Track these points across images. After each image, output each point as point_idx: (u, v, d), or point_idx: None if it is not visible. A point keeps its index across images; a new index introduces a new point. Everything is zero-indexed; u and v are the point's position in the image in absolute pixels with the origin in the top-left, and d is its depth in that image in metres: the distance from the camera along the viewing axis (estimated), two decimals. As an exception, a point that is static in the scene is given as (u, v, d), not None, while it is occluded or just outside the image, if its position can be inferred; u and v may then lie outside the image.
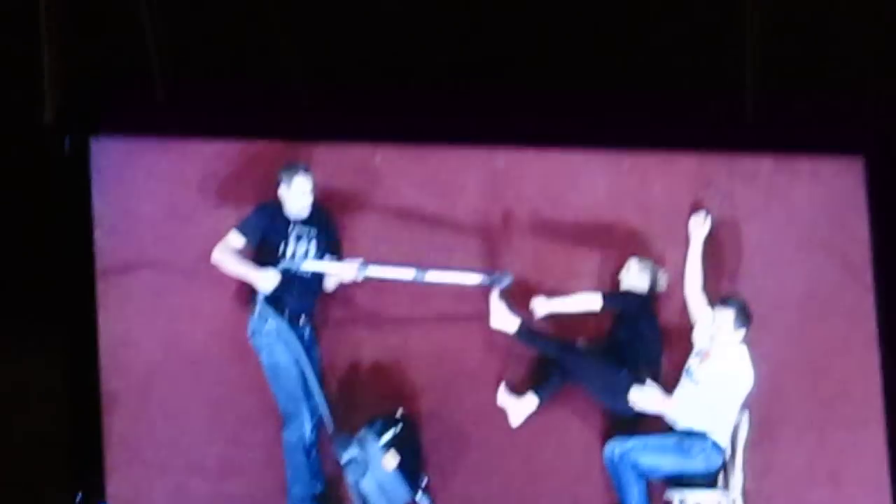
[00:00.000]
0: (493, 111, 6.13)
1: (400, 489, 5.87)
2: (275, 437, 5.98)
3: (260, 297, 5.86)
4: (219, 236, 5.91)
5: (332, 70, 6.17)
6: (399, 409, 6.01)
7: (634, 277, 6.08)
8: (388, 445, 5.88)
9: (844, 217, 6.19)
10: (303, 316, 5.96)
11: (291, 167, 5.92)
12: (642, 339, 6.00)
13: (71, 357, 5.97)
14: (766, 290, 6.16)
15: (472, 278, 5.95)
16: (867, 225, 6.17)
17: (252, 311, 5.89)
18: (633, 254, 6.11)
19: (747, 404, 6.00)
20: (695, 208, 6.14)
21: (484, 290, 6.03)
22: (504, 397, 6.04)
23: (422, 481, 5.95)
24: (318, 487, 5.99)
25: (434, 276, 5.91)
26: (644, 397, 5.91)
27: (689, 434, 5.93)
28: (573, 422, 6.12)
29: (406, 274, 5.90)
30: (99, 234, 6.00)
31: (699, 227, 6.10)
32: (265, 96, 6.15)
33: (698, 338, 6.07)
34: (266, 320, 5.88)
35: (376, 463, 5.85)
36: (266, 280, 5.85)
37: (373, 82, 6.18)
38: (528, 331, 5.99)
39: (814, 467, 6.16)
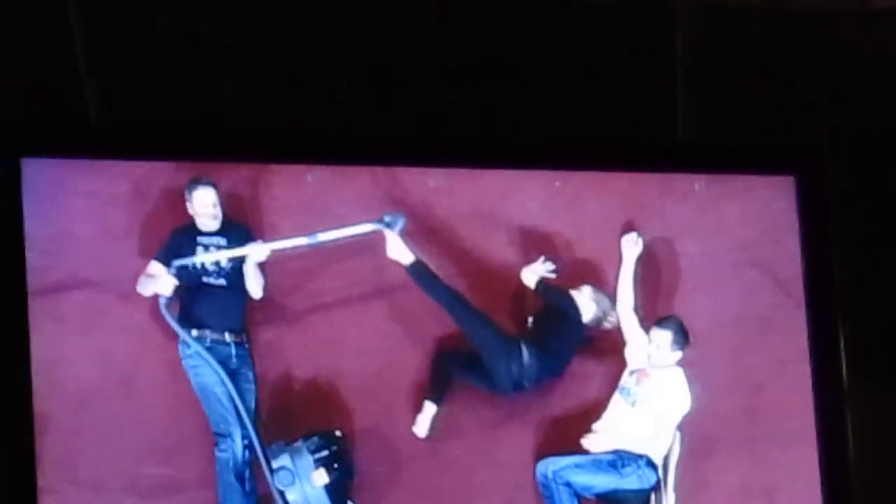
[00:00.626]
0: (424, 131, 6.14)
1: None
2: (210, 457, 5.98)
3: (161, 304, 5.86)
4: (150, 256, 5.95)
5: (267, 92, 6.17)
6: (337, 430, 6.01)
7: (583, 303, 6.09)
8: (320, 462, 5.89)
9: (777, 235, 6.22)
10: (227, 333, 5.96)
11: (193, 182, 5.97)
12: (556, 347, 6.00)
13: (2, 378, 5.92)
14: (699, 308, 6.18)
15: (365, 228, 5.96)
16: (799, 243, 6.18)
17: (177, 338, 5.93)
18: (567, 272, 6.13)
19: (681, 423, 6.03)
20: (627, 227, 6.15)
21: (421, 313, 6.07)
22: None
23: None
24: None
25: (326, 236, 5.93)
26: (597, 443, 5.94)
27: (623, 453, 5.94)
28: (506, 440, 6.11)
29: (300, 241, 5.92)
30: (30, 255, 5.96)
31: (631, 246, 6.11)
32: (196, 117, 6.16)
33: (631, 357, 6.08)
34: (187, 344, 5.92)
35: (306, 477, 5.86)
36: (161, 285, 5.85)
37: (306, 104, 6.18)
38: (423, 269, 5.99)
39: (748, 485, 6.18)
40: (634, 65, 6.22)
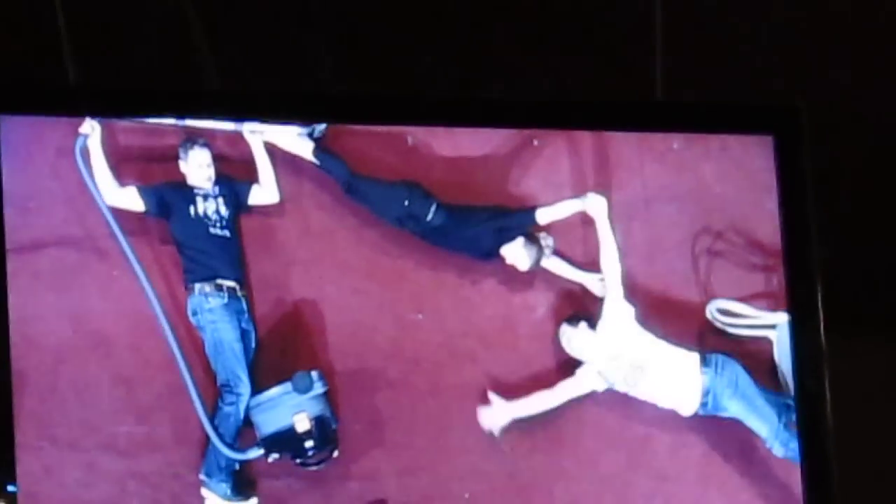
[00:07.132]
0: (400, 89, 6.15)
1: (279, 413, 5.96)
2: (187, 414, 6.01)
3: (78, 145, 5.89)
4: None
5: (242, 48, 6.20)
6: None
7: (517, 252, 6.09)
8: (316, 421, 5.94)
9: (755, 195, 6.19)
10: (238, 286, 6.01)
11: (188, 141, 6.00)
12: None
13: (-20, 337, 5.96)
14: (676, 267, 6.16)
15: (291, 130, 5.98)
16: (777, 203, 6.16)
17: (189, 290, 5.98)
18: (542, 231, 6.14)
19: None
20: (601, 186, 6.15)
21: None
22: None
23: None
24: (236, 464, 6.02)
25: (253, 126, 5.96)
26: None
27: None
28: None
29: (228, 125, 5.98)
30: (9, 212, 5.98)
31: (598, 205, 6.10)
32: (175, 76, 6.19)
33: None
34: (208, 298, 5.98)
35: (300, 405, 5.93)
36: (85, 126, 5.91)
37: (283, 62, 6.20)
38: (324, 150, 6.01)
39: (725, 445, 6.18)
40: (612, 23, 6.22)
